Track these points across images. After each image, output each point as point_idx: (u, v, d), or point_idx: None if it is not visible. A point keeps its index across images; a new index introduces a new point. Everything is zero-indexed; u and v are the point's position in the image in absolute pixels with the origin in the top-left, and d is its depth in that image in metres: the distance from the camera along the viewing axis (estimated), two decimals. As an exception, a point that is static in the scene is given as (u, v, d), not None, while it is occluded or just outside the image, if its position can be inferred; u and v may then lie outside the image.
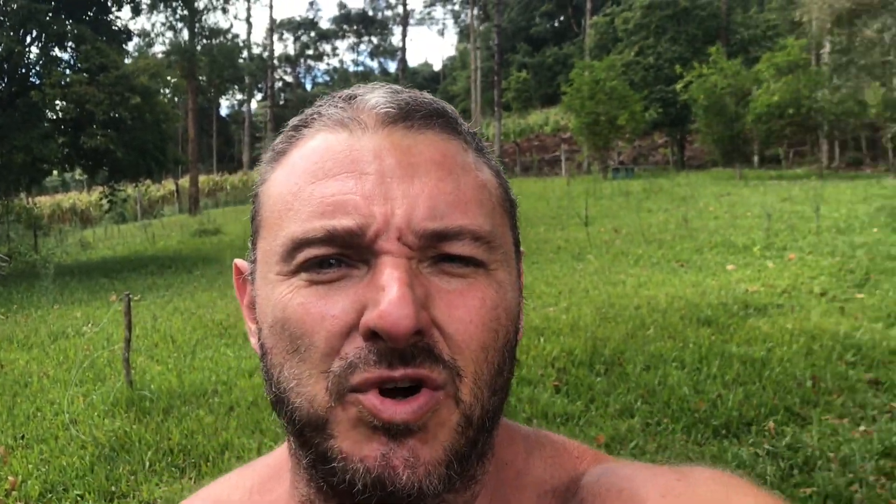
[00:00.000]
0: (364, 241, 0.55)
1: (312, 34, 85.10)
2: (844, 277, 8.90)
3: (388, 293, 0.52)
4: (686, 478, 0.58)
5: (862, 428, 4.77)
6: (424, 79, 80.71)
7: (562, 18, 68.79)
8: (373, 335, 0.53)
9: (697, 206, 17.64)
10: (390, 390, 0.53)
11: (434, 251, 0.56)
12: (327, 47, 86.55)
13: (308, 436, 0.56)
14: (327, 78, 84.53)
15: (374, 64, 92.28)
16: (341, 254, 0.56)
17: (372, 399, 0.53)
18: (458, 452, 0.55)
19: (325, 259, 0.56)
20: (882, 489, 3.93)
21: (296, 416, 0.56)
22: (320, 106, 0.63)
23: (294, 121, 0.64)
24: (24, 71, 18.65)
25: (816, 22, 26.26)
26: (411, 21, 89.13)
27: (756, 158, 33.32)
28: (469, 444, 0.56)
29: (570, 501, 0.62)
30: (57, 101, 18.03)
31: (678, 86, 32.34)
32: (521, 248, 0.66)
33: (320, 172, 0.58)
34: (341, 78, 79.76)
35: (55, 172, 24.63)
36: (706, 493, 0.55)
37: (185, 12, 34.91)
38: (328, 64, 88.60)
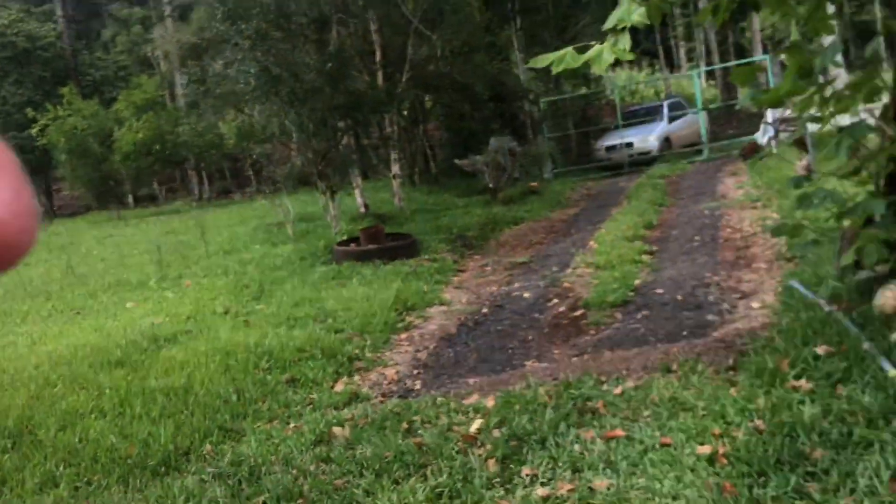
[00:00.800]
0: None
1: None
2: (242, 293, 9.28)
3: None
4: None
5: (292, 424, 4.97)
6: None
7: None
8: None
9: (80, 252, 16.64)
10: None
11: None
12: None
13: None
14: None
15: None
16: None
17: None
18: None
19: None
20: (324, 475, 4.11)
21: None
22: None
23: None
24: None
25: (166, 59, 27.16)
26: None
27: (131, 198, 33.06)
28: None
29: None
30: None
31: (33, 130, 30.16)
32: None
33: None
34: None
35: None
36: None
37: None
38: None
